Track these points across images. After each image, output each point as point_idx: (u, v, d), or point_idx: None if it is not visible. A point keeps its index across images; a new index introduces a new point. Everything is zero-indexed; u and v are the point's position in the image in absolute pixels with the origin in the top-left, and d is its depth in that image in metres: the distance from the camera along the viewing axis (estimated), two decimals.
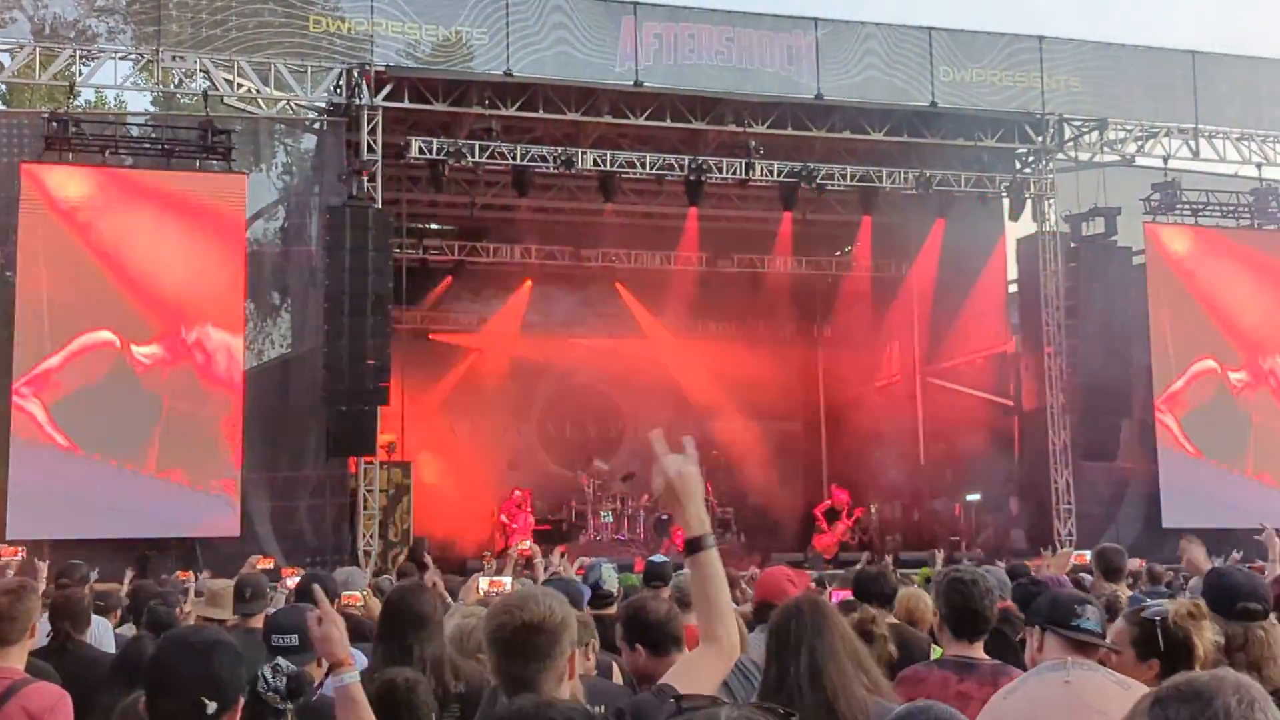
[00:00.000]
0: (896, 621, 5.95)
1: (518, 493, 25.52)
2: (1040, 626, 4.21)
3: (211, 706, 3.11)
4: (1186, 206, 24.68)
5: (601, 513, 26.14)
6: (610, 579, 6.87)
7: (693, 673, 3.37)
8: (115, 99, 30.14)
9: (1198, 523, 23.04)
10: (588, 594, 6.51)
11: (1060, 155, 24.52)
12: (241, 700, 3.24)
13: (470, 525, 25.70)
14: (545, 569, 11.93)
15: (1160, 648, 4.16)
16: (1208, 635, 4.23)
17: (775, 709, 1.98)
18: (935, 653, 5.70)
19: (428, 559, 14.97)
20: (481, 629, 3.24)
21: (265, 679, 4.00)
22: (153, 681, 3.16)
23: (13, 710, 4.55)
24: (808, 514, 27.80)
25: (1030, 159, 24.60)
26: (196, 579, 13.48)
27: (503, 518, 25.20)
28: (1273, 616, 4.71)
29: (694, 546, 3.50)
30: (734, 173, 22.76)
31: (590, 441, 28.59)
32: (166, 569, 16.73)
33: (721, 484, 27.35)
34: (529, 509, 25.54)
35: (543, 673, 3.14)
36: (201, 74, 20.83)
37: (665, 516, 25.69)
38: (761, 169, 22.78)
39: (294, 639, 4.70)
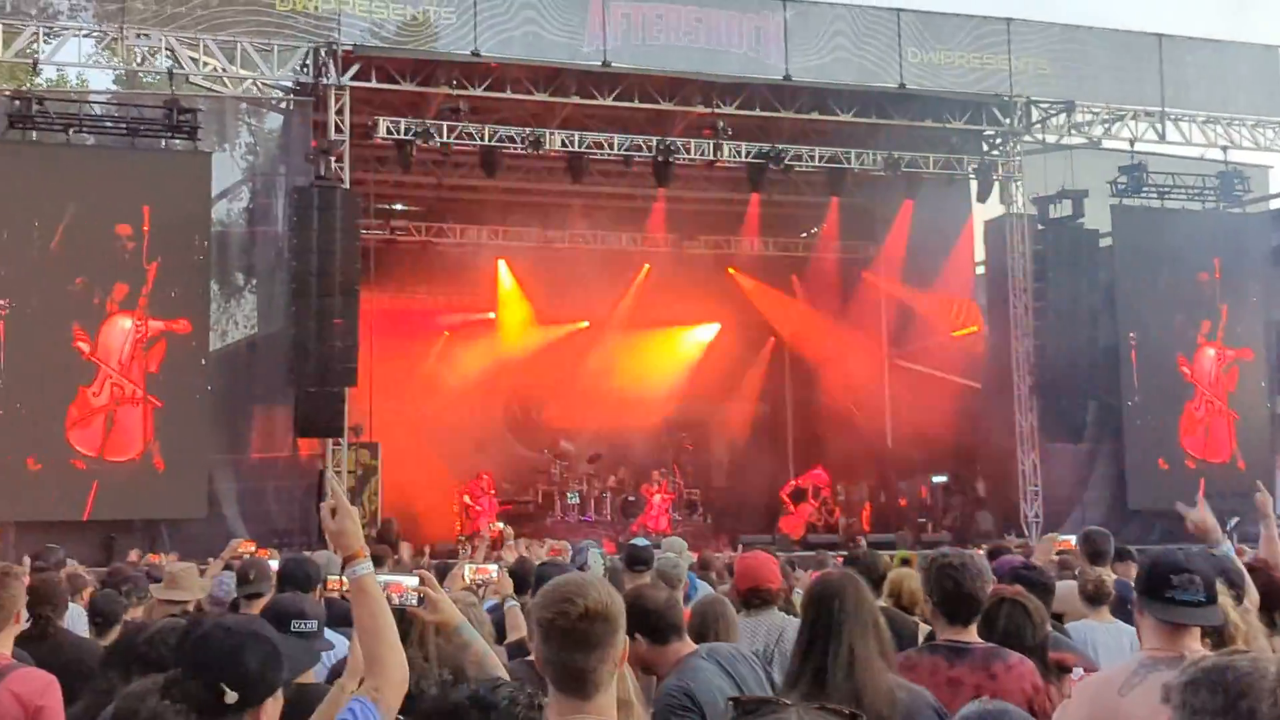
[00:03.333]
0: (886, 605, 5.94)
1: (484, 476, 25.40)
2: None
3: (231, 696, 3.02)
4: (1153, 189, 24.80)
5: (568, 494, 26.07)
6: (597, 563, 6.84)
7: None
8: (78, 77, 29.78)
9: (1164, 504, 23.42)
10: None
11: (1028, 137, 24.59)
12: (271, 702, 3.14)
13: (437, 507, 25.60)
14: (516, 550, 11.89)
15: (1211, 630, 4.24)
16: (1235, 613, 4.30)
17: (841, 711, 1.94)
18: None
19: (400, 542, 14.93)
20: (534, 616, 3.14)
21: None
22: (186, 661, 3.09)
23: (2, 695, 4.48)
24: (774, 495, 27.82)
25: (998, 141, 24.66)
26: (165, 560, 13.40)
27: (466, 499, 25.05)
28: (1247, 601, 4.76)
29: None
30: (702, 154, 22.74)
31: (556, 423, 28.50)
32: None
33: (688, 465, 27.39)
34: (493, 491, 25.42)
35: (602, 663, 3.04)
36: (166, 52, 20.58)
37: (633, 498, 25.72)
38: (729, 150, 22.77)
39: (313, 625, 4.67)
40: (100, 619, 7.10)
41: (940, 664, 4.55)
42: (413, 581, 4.02)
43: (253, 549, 10.03)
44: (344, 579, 3.68)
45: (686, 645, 4.89)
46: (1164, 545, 5.14)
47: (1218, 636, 4.26)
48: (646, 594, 4.99)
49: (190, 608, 6.94)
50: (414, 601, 3.96)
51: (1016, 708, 3.05)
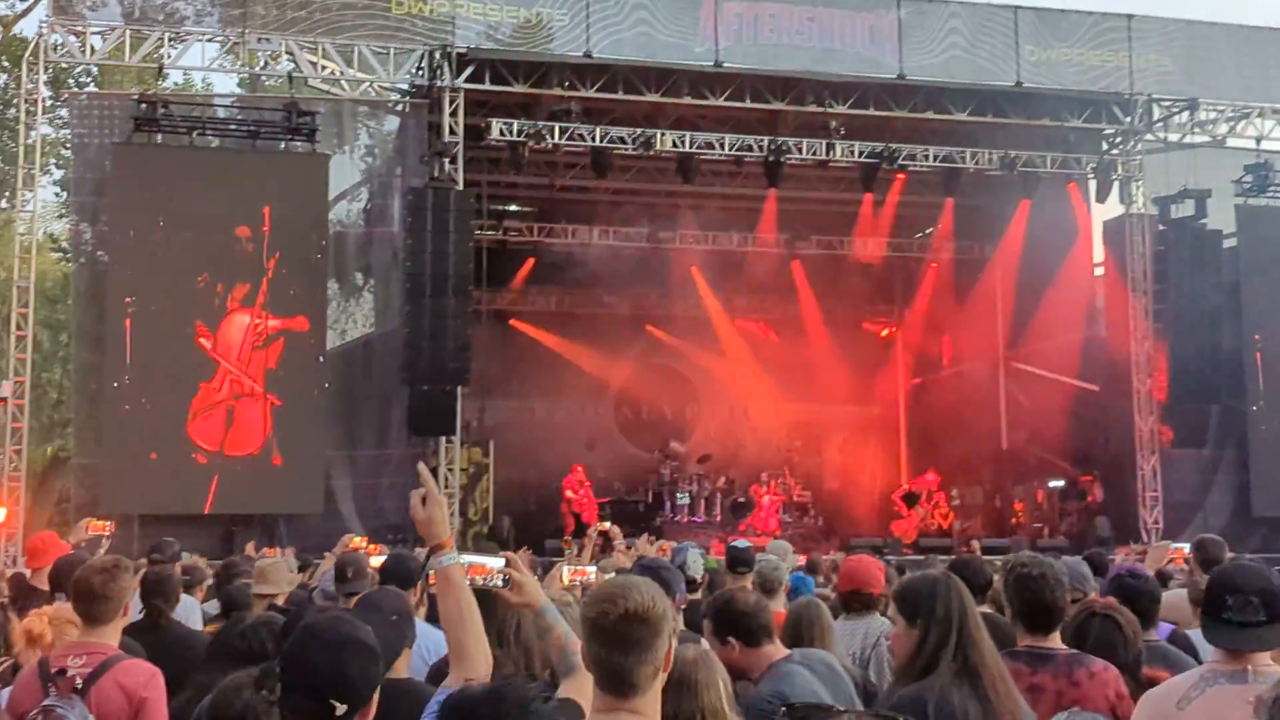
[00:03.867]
0: (989, 611, 5.84)
1: (578, 469, 25.40)
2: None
3: (341, 708, 3.07)
4: None
5: (678, 495, 26.02)
6: (696, 565, 6.83)
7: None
8: (202, 81, 30.53)
9: None
10: (682, 580, 6.44)
11: (1149, 136, 24.06)
12: (376, 697, 3.20)
13: (548, 505, 25.80)
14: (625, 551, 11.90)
15: None
16: None
17: (893, 716, 1.93)
18: None
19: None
20: (581, 615, 3.22)
21: None
22: (285, 677, 3.14)
23: (107, 685, 4.61)
24: (886, 498, 27.57)
25: (1118, 140, 24.17)
26: (281, 555, 13.68)
27: (569, 493, 25.09)
28: None
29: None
30: (814, 153, 22.58)
31: (666, 423, 28.53)
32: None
33: (799, 467, 27.24)
34: (589, 482, 25.43)
35: (641, 665, 3.09)
36: (286, 56, 21.02)
37: (742, 499, 25.65)
38: (842, 149, 22.57)
39: (394, 619, 4.71)
40: (237, 609, 7.28)
41: (1022, 670, 4.47)
42: (498, 563, 4.04)
43: (364, 544, 10.16)
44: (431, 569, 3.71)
45: (779, 649, 4.88)
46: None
47: None
48: (737, 596, 5.01)
49: (280, 600, 7.07)
50: (499, 583, 3.98)
51: (1105, 717, 2.99)
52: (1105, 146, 24.26)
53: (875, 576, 6.28)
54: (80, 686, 4.55)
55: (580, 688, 3.97)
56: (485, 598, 4.36)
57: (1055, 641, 4.67)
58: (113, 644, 4.88)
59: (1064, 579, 4.79)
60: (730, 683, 4.01)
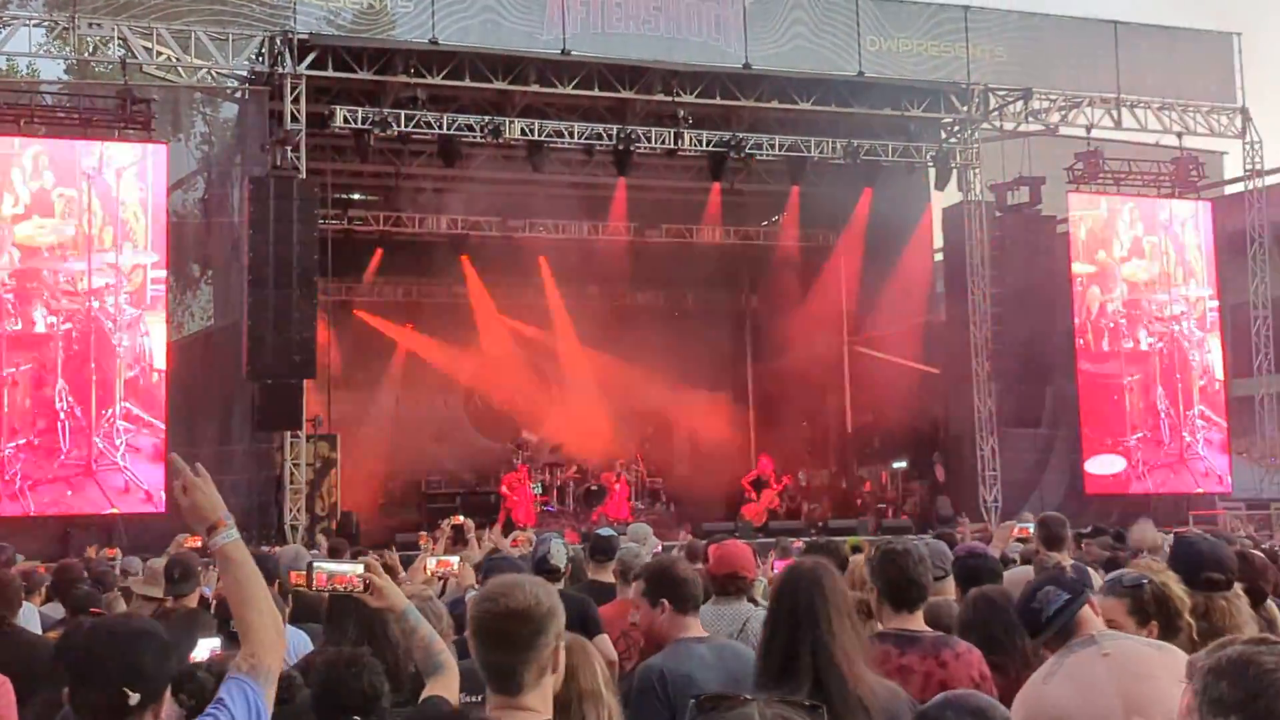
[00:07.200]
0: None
1: (523, 468, 25.23)
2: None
3: (134, 697, 3.02)
4: (1109, 176, 24.97)
5: (530, 484, 25.96)
6: (559, 553, 6.78)
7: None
8: (28, 67, 29.37)
9: (1120, 486, 23.65)
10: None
11: (985, 125, 24.66)
12: (168, 691, 3.16)
13: (397, 498, 25.51)
14: (480, 543, 11.82)
15: (1154, 609, 4.27)
16: (1178, 588, 4.32)
17: (802, 703, 1.91)
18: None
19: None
20: (467, 614, 3.17)
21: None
22: (76, 671, 3.08)
23: None
24: (736, 483, 27.81)
25: (956, 129, 24.74)
26: (121, 556, 13.28)
27: (504, 489, 24.90)
28: (1237, 586, 4.77)
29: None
30: (662, 142, 22.68)
31: (518, 414, 28.39)
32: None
33: (650, 454, 27.36)
34: (528, 482, 25.29)
35: (524, 664, 3.06)
36: (119, 41, 20.32)
37: (595, 487, 25.67)
38: (690, 139, 22.71)
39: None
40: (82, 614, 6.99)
41: (891, 652, 4.51)
42: (358, 569, 4.03)
43: (198, 544, 9.77)
44: (209, 547, 3.51)
45: (698, 628, 4.91)
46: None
47: (1164, 616, 4.27)
48: (679, 563, 5.21)
49: (168, 604, 6.84)
50: (361, 589, 3.97)
51: (983, 695, 3.04)
52: (944, 135, 24.84)
53: (749, 561, 6.32)
54: None
55: (447, 685, 3.95)
56: (350, 601, 4.34)
57: (920, 623, 4.72)
58: None
59: (927, 557, 4.86)
60: (608, 668, 3.98)
